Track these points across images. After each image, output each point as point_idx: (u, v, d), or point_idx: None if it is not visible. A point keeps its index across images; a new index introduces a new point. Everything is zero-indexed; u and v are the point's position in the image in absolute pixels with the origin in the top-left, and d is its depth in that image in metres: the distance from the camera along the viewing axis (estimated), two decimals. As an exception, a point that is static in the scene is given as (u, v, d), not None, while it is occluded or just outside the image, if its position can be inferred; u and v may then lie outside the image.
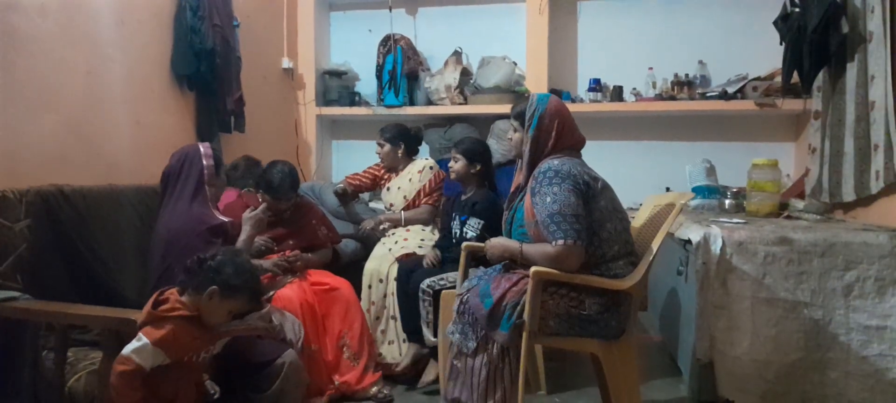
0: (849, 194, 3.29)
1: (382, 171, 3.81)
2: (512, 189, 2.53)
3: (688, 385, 2.92)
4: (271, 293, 2.81)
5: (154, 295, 1.97)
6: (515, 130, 2.49)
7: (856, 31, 3.22)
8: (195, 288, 1.98)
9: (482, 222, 3.06)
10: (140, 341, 1.87)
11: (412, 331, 3.08)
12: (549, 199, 2.20)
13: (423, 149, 4.64)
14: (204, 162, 2.50)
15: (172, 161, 2.54)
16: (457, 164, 3.24)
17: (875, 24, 3.04)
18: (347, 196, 3.79)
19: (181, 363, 1.96)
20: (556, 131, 2.37)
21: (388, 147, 3.67)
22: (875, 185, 3.06)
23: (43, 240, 2.29)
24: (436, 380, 3.03)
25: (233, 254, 2.10)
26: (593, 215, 2.25)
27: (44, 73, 2.57)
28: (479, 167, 3.22)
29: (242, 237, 2.61)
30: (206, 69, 3.46)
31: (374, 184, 3.83)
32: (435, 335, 2.95)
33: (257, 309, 2.23)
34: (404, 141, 3.69)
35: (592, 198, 2.26)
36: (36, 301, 2.09)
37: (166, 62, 3.35)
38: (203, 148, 2.55)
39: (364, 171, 3.90)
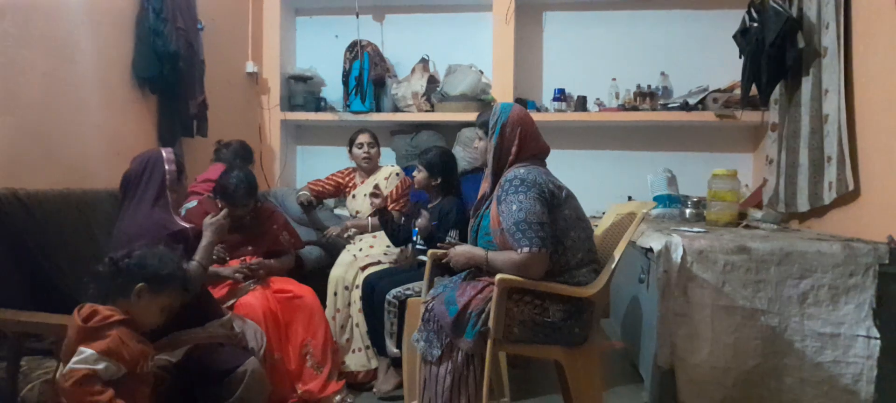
0: (803, 204, 3.38)
1: (347, 178, 3.79)
2: (478, 197, 2.54)
3: (649, 392, 2.95)
4: (232, 301, 2.77)
5: (75, 313, 1.83)
6: (480, 139, 2.52)
7: (811, 45, 3.32)
8: (120, 292, 1.89)
9: (458, 231, 3.06)
10: (81, 353, 1.75)
11: (381, 345, 3.06)
12: (514, 207, 2.22)
13: (390, 155, 4.64)
14: (166, 167, 2.46)
15: (134, 165, 2.49)
16: (419, 175, 3.27)
17: (830, 39, 3.14)
18: (312, 205, 3.76)
19: (134, 374, 1.85)
20: (519, 139, 2.39)
21: (378, 149, 3.67)
22: (828, 196, 3.15)
23: (-4, 245, 2.23)
24: (395, 388, 3.03)
25: (142, 251, 1.99)
26: (558, 223, 2.28)
27: (1, 75, 2.50)
28: (440, 180, 3.23)
29: (203, 243, 2.57)
30: (169, 72, 3.40)
31: (338, 191, 3.81)
32: (398, 346, 2.93)
33: (186, 300, 2.15)
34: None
35: (557, 206, 2.29)
36: (-12, 308, 2.03)
37: (127, 64, 3.29)
38: (166, 153, 2.50)
39: (327, 178, 3.87)
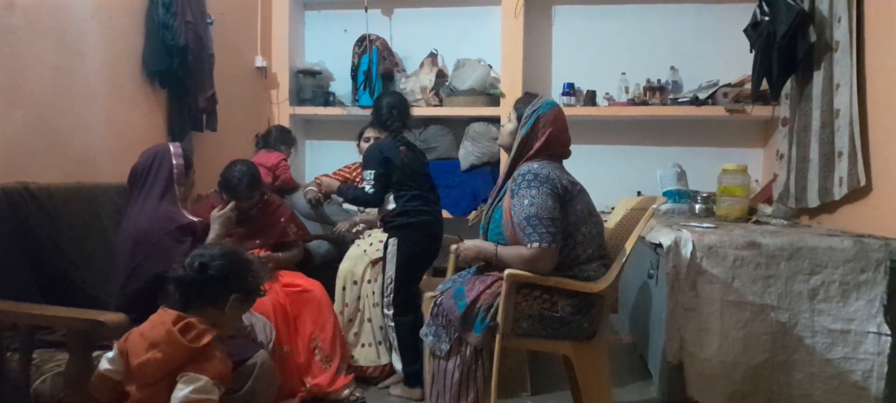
0: (813, 200, 3.36)
1: (355, 173, 3.79)
2: (498, 184, 2.54)
3: (658, 387, 2.95)
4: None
5: (170, 325, 1.75)
6: (509, 120, 2.52)
7: (823, 39, 3.29)
8: (210, 301, 1.83)
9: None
10: (197, 381, 1.69)
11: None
12: (526, 202, 2.22)
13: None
14: (174, 161, 2.47)
15: (141, 159, 2.51)
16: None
17: (841, 33, 3.12)
18: (320, 202, 3.75)
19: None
20: (546, 138, 2.39)
21: None
22: (839, 191, 3.13)
23: (8, 239, 2.23)
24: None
25: (229, 254, 1.92)
26: (569, 218, 2.28)
27: (9, 69, 2.51)
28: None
29: (211, 236, 2.58)
30: (179, 66, 3.40)
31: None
32: None
33: None
34: None
35: (569, 202, 2.29)
36: (0, 300, 2.04)
37: (137, 58, 3.29)
38: (173, 147, 2.52)
39: (335, 173, 3.87)
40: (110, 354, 1.82)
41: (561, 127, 2.45)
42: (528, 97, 2.53)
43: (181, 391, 1.69)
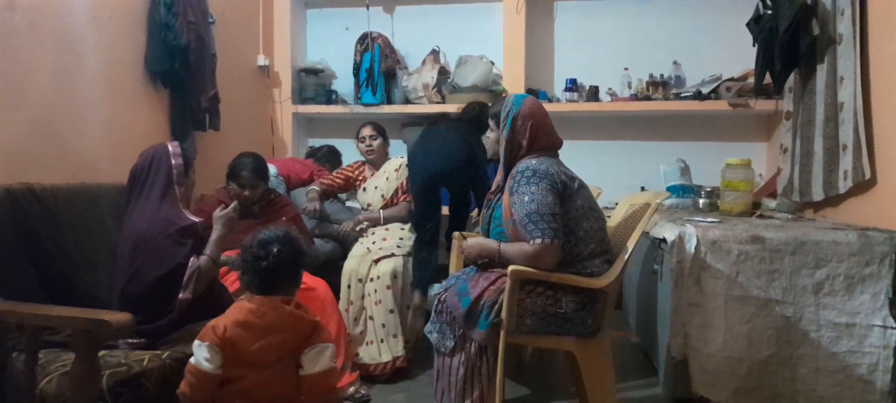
0: (818, 193, 3.35)
1: (356, 172, 3.80)
2: (492, 188, 2.54)
3: (662, 383, 2.95)
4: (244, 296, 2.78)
5: (291, 307, 1.93)
6: (492, 130, 2.51)
7: (826, 32, 3.28)
8: (292, 282, 2.02)
9: None
10: (328, 347, 1.95)
11: None
12: (526, 198, 2.21)
13: (401, 147, 4.64)
14: (173, 161, 2.47)
15: (140, 160, 2.50)
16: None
17: (845, 26, 3.10)
18: (326, 212, 3.73)
19: None
20: (531, 133, 2.38)
21: (380, 140, 3.68)
22: (843, 185, 3.12)
23: (12, 240, 2.24)
24: None
25: (288, 237, 2.03)
26: (570, 214, 2.27)
27: (11, 70, 2.52)
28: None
29: (213, 237, 2.57)
30: (181, 66, 3.41)
31: (348, 185, 3.81)
32: None
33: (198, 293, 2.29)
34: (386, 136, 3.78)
35: (569, 197, 2.28)
36: (5, 301, 2.04)
37: (139, 59, 3.30)
38: (172, 147, 2.51)
39: (336, 173, 3.88)
40: (205, 353, 1.87)
41: (541, 117, 2.43)
42: (496, 102, 2.53)
43: (321, 359, 1.90)
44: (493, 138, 2.51)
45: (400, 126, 4.82)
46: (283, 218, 3.15)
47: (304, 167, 4.12)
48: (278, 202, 3.19)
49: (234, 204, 2.75)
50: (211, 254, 2.44)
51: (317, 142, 5.31)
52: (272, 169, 4.01)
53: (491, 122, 2.51)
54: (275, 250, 1.94)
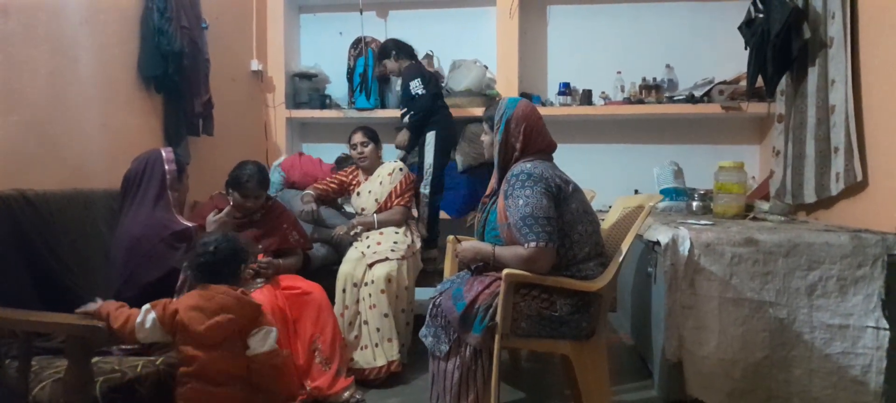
0: (810, 196, 3.37)
1: (350, 176, 3.79)
2: (487, 192, 2.54)
3: (657, 385, 2.96)
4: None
5: (240, 295, 2.10)
6: (486, 133, 2.52)
7: (817, 36, 3.30)
8: (233, 275, 2.17)
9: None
10: (273, 329, 2.12)
11: None
12: (521, 202, 2.22)
13: (394, 151, 4.64)
14: (166, 166, 2.47)
15: (133, 165, 2.50)
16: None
17: (835, 29, 3.13)
18: (322, 217, 3.73)
19: None
20: (524, 135, 2.39)
21: (372, 146, 3.68)
22: (835, 187, 3.14)
23: (5, 245, 2.23)
24: None
25: (226, 237, 2.23)
26: (564, 217, 2.28)
27: (5, 74, 2.51)
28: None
29: None
30: (174, 71, 3.40)
31: (343, 190, 3.80)
32: None
33: None
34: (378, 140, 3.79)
35: (564, 200, 2.29)
36: (-2, 308, 2.04)
37: (133, 64, 3.29)
38: (165, 152, 2.51)
39: (331, 177, 3.87)
40: (151, 318, 1.98)
41: (534, 120, 2.43)
42: (491, 105, 2.53)
43: (267, 340, 2.08)
44: (487, 141, 2.51)
45: (394, 130, 4.82)
46: (284, 225, 3.14)
47: (321, 173, 4.18)
48: (277, 209, 3.19)
49: (227, 208, 2.74)
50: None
51: (310, 147, 5.32)
52: (279, 174, 4.17)
53: (485, 126, 2.52)
54: (212, 247, 2.14)
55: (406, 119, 3.99)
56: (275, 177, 4.22)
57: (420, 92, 3.89)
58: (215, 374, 2.00)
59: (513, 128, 2.39)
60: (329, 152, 5.04)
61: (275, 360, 2.12)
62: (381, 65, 4.24)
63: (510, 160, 2.40)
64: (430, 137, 3.89)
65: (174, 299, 2.23)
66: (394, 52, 4.11)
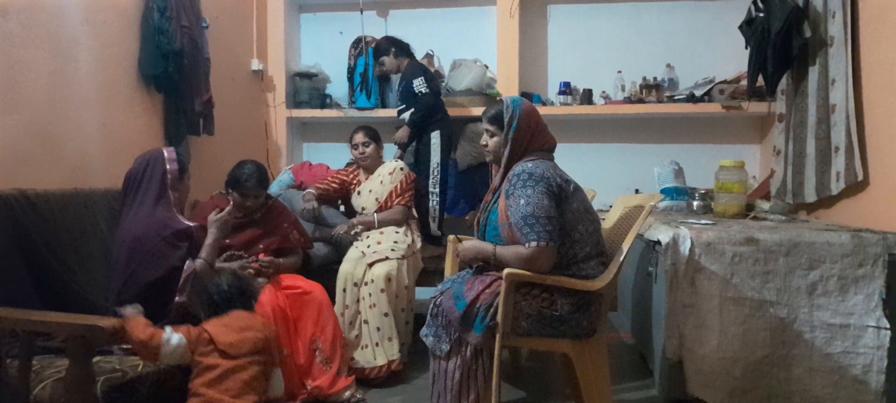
0: (811, 195, 3.37)
1: (351, 175, 3.79)
2: (488, 191, 2.54)
3: (658, 384, 2.96)
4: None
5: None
6: (492, 135, 2.48)
7: (817, 35, 3.30)
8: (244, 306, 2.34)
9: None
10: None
11: None
12: (522, 201, 2.22)
13: (394, 150, 4.64)
14: (167, 166, 2.47)
15: (135, 164, 2.51)
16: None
17: (836, 28, 3.12)
18: (323, 215, 3.73)
19: None
20: (532, 131, 2.40)
21: (374, 146, 3.68)
22: (836, 186, 3.14)
23: (5, 245, 2.23)
24: None
25: (235, 275, 2.40)
26: (565, 217, 2.28)
27: (5, 74, 2.51)
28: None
29: (209, 240, 2.57)
30: (174, 70, 3.40)
31: (343, 189, 3.80)
32: None
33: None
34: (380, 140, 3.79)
35: (565, 200, 2.28)
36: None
37: (133, 63, 3.29)
38: (167, 152, 2.51)
39: (331, 177, 3.87)
40: (177, 340, 2.05)
41: (537, 116, 2.47)
42: (490, 107, 2.51)
43: (279, 384, 2.39)
44: (494, 143, 2.47)
45: (394, 129, 4.82)
46: (284, 225, 3.14)
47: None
48: (277, 208, 3.18)
49: (228, 208, 2.74)
50: (206, 258, 2.44)
51: (311, 147, 5.32)
52: (288, 175, 4.19)
53: (491, 127, 2.48)
54: (225, 286, 2.27)
55: (406, 115, 4.01)
56: (284, 176, 4.25)
57: (423, 90, 3.95)
58: (235, 384, 2.07)
59: (524, 125, 2.39)
60: (330, 152, 5.05)
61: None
62: (379, 62, 4.26)
63: (519, 157, 2.39)
64: (435, 137, 3.98)
65: (180, 296, 2.35)
66: (392, 50, 4.15)
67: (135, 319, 2.04)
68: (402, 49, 4.18)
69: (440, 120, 4.02)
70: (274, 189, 4.25)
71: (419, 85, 3.95)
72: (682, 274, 2.68)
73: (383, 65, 4.22)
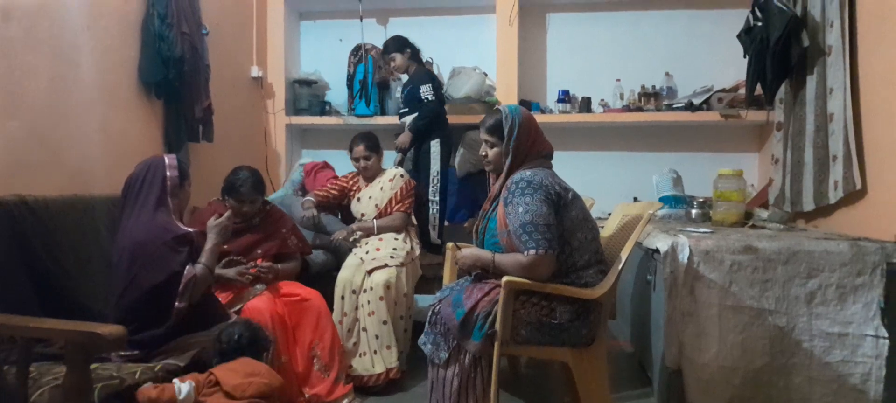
0: (809, 204, 3.37)
1: (351, 182, 3.79)
2: (487, 199, 2.54)
3: (657, 393, 2.95)
4: (240, 305, 2.78)
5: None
6: (492, 145, 2.47)
7: (815, 44, 3.31)
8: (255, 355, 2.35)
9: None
10: None
11: None
12: (521, 209, 2.22)
13: (394, 157, 4.65)
14: (167, 172, 2.47)
15: (135, 170, 2.51)
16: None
17: (834, 38, 3.14)
18: (322, 223, 3.73)
19: None
20: (532, 139, 2.41)
21: (375, 158, 3.68)
22: (834, 195, 3.14)
23: (5, 251, 2.23)
24: None
25: (249, 327, 2.38)
26: (564, 225, 2.28)
27: (6, 80, 2.51)
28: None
29: (208, 246, 2.57)
30: (175, 77, 3.41)
31: (343, 196, 3.80)
32: None
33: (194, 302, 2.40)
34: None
35: (563, 207, 2.29)
36: (-3, 313, 2.03)
37: (133, 69, 3.29)
38: (168, 159, 2.51)
39: (330, 184, 3.87)
40: (188, 389, 2.06)
41: (535, 122, 2.48)
42: (487, 117, 2.50)
43: None
44: (494, 154, 2.46)
45: (393, 137, 4.83)
46: (282, 230, 3.14)
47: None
48: (275, 214, 3.18)
49: (227, 213, 2.74)
50: (206, 263, 2.44)
51: (310, 154, 5.32)
52: (299, 173, 4.29)
53: (490, 137, 2.46)
54: (237, 335, 2.29)
55: (408, 119, 4.02)
56: (296, 174, 4.32)
57: (430, 97, 3.97)
58: None
59: (524, 133, 2.39)
60: (329, 159, 5.02)
61: None
62: (389, 58, 4.22)
63: (520, 164, 2.40)
64: (435, 145, 3.98)
65: (180, 301, 2.34)
66: (407, 50, 4.14)
67: (141, 389, 2.04)
68: (414, 52, 4.19)
69: (441, 128, 4.03)
70: (287, 187, 4.28)
71: (427, 91, 3.97)
72: (681, 282, 2.68)
73: (394, 61, 4.17)
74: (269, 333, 2.55)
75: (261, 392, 2.15)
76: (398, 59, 4.16)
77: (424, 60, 4.78)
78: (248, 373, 2.17)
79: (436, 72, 4.85)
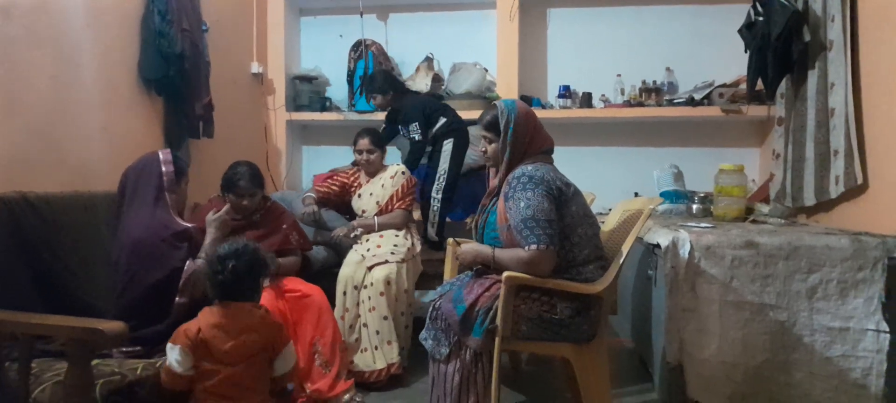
0: (810, 198, 3.37)
1: (352, 178, 3.79)
2: (486, 194, 2.54)
3: (658, 388, 2.95)
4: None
5: (260, 312, 2.14)
6: (490, 141, 2.47)
7: (817, 39, 3.30)
8: (252, 291, 2.18)
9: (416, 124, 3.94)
10: (293, 348, 2.22)
11: None
12: (522, 204, 2.22)
13: (395, 154, 4.65)
14: (163, 168, 2.47)
15: (130, 168, 2.51)
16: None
17: (835, 33, 3.13)
18: (323, 219, 3.74)
19: None
20: (530, 132, 2.40)
21: (378, 153, 3.68)
22: (835, 190, 3.14)
23: (6, 248, 2.23)
24: None
25: (246, 249, 2.16)
26: (565, 220, 2.28)
27: (7, 77, 2.51)
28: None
29: (207, 240, 2.58)
30: (175, 74, 3.41)
31: (344, 191, 3.80)
32: None
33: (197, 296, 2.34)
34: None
35: (564, 203, 2.29)
36: (-1, 310, 2.04)
37: (134, 66, 3.29)
38: (163, 155, 2.52)
39: (331, 180, 3.87)
40: (176, 356, 1.98)
41: (533, 115, 2.47)
42: (485, 113, 2.49)
43: (290, 359, 2.17)
44: (492, 149, 2.46)
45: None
46: (283, 226, 3.14)
47: None
48: (276, 209, 3.18)
49: (226, 207, 2.74)
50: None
51: (311, 150, 5.32)
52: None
53: (488, 133, 2.46)
54: (231, 265, 2.07)
55: (397, 145, 4.15)
56: (306, 186, 4.34)
57: (417, 138, 3.99)
58: (235, 389, 2.03)
59: (521, 127, 2.39)
60: (330, 155, 5.07)
61: (294, 372, 2.22)
62: (371, 94, 4.32)
63: (519, 160, 2.39)
64: (448, 145, 3.98)
65: (181, 297, 2.30)
66: (391, 93, 4.22)
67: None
68: (398, 91, 4.26)
69: (455, 130, 4.02)
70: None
71: (414, 130, 3.99)
72: (682, 277, 2.68)
73: (375, 100, 4.28)
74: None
75: (255, 351, 2.06)
76: (379, 99, 4.24)
77: (426, 56, 4.79)
78: (239, 331, 2.04)
79: (436, 68, 4.84)
